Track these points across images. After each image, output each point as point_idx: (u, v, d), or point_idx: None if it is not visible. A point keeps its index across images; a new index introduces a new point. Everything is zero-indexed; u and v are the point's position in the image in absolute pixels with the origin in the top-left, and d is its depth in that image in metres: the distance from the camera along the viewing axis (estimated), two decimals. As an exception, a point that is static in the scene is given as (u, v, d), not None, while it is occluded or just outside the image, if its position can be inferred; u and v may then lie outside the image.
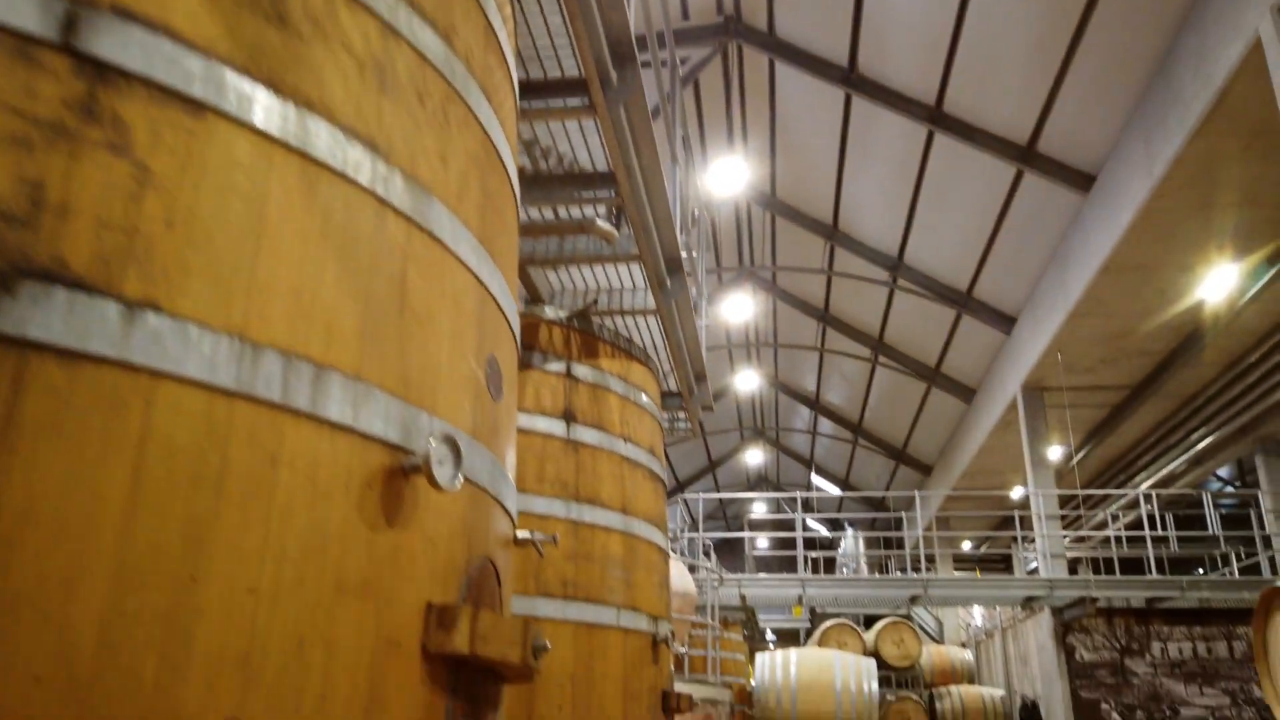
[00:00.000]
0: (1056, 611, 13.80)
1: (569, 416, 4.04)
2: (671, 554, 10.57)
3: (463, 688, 1.36)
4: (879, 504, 30.22)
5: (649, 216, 4.29)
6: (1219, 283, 11.52)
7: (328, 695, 1.10)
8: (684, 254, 4.87)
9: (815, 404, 26.41)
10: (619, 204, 4.10)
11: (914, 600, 13.95)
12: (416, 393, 1.33)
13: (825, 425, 27.52)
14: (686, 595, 10.17)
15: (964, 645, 20.02)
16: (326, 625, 1.11)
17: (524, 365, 4.02)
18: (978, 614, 26.88)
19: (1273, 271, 10.87)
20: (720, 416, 27.62)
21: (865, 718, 8.82)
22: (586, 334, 4.22)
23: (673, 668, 4.98)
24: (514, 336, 1.80)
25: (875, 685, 8.88)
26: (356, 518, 1.17)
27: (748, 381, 23.99)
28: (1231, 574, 16.67)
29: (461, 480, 1.30)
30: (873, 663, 9.09)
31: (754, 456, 30.43)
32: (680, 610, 10.06)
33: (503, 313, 1.69)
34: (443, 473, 1.26)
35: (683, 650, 13.49)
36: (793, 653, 9.17)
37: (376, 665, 1.17)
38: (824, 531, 35.85)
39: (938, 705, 15.21)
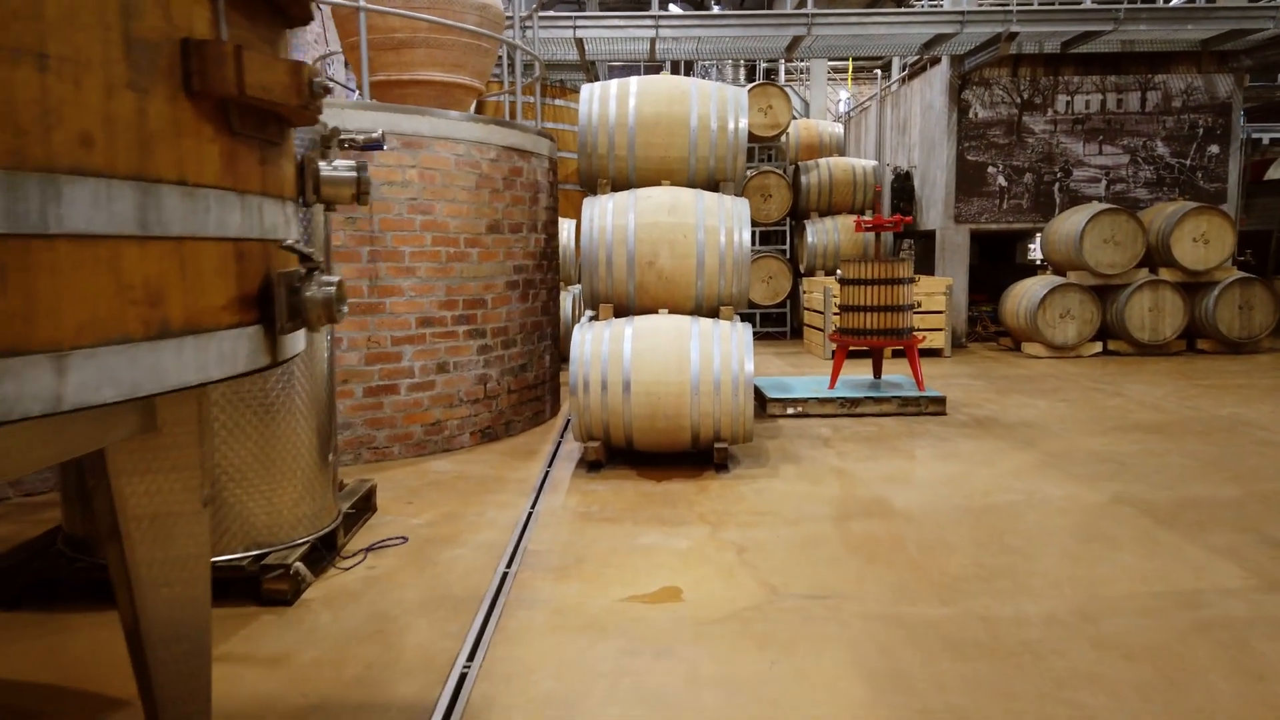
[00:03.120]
0: (957, 61, 11.48)
1: None
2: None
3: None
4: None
5: None
6: None
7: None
8: None
9: None
10: None
11: (793, 47, 11.25)
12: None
13: None
14: (486, 7, 7.05)
15: (837, 120, 18.19)
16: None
17: None
18: (844, 97, 25.08)
19: None
20: None
21: (729, 161, 6.49)
22: None
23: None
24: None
25: (744, 122, 6.42)
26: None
27: None
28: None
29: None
30: (743, 93, 6.52)
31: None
32: (481, 25, 7.01)
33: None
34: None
35: (488, 96, 10.78)
36: (633, 80, 6.49)
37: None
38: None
39: (803, 179, 13.44)
